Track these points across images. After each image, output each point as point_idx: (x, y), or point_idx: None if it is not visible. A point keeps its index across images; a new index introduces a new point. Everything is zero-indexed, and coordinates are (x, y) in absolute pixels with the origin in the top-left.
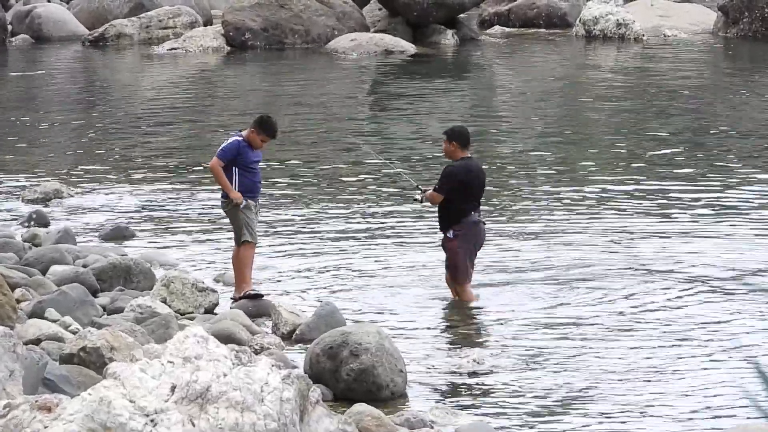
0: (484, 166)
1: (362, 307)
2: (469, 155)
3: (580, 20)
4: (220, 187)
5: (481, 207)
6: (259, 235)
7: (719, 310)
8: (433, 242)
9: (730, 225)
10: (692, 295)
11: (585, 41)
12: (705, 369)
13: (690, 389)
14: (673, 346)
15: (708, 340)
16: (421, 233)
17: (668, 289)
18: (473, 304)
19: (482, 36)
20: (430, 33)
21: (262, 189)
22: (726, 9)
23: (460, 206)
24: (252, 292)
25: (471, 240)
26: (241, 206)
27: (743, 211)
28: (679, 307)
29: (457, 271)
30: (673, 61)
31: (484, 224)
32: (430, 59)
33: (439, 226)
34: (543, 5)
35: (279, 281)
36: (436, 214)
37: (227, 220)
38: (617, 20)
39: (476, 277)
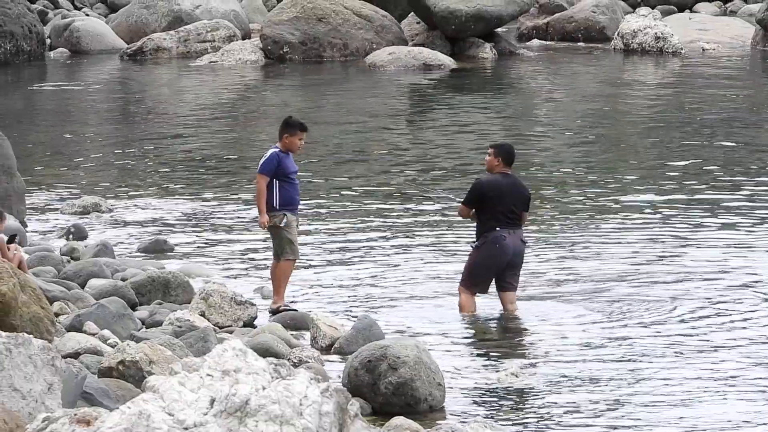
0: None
1: (400, 320)
2: (509, 172)
3: (618, 34)
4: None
5: (523, 225)
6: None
7: None
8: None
9: None
10: (741, 311)
11: (623, 55)
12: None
13: (738, 415)
14: (720, 362)
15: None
16: (459, 246)
17: (716, 304)
18: (511, 316)
19: (520, 49)
20: (468, 46)
21: (301, 201)
22: (764, 23)
23: (485, 220)
24: (284, 308)
25: (492, 254)
26: (282, 224)
27: None
28: (729, 322)
29: (464, 275)
30: (710, 76)
31: (524, 242)
32: (469, 73)
33: None
34: (581, 19)
35: (318, 294)
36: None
37: (266, 233)
38: (656, 34)
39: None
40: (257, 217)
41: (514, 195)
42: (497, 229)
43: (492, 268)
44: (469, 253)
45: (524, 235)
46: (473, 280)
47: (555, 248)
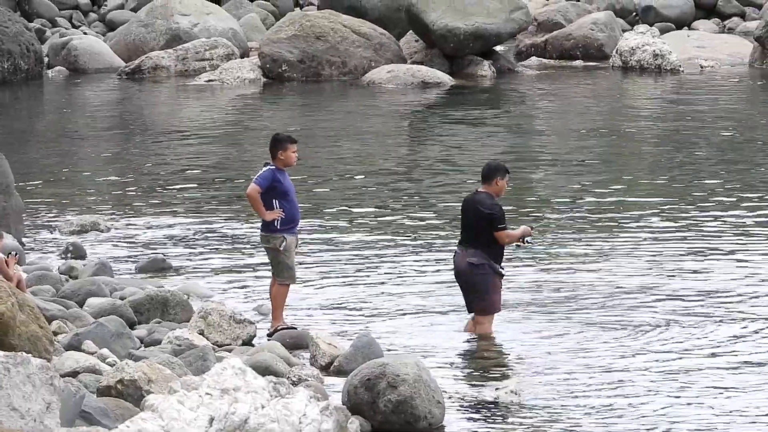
0: (526, 195)
1: (400, 338)
2: (480, 190)
3: (616, 51)
4: (260, 220)
5: (504, 244)
6: (297, 265)
7: None
8: None
9: None
10: (747, 332)
11: (622, 72)
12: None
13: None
14: (721, 380)
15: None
16: None
17: (719, 322)
18: (514, 335)
19: (519, 67)
20: (466, 64)
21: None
22: (762, 40)
23: None
24: (283, 327)
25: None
26: (282, 248)
27: None
28: (733, 343)
29: None
30: (709, 93)
31: (471, 264)
32: (468, 91)
33: None
34: (580, 36)
35: (317, 313)
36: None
37: (264, 251)
38: (654, 51)
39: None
40: (264, 235)
41: (469, 213)
42: (458, 245)
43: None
44: None
45: (476, 257)
46: None
47: (554, 264)
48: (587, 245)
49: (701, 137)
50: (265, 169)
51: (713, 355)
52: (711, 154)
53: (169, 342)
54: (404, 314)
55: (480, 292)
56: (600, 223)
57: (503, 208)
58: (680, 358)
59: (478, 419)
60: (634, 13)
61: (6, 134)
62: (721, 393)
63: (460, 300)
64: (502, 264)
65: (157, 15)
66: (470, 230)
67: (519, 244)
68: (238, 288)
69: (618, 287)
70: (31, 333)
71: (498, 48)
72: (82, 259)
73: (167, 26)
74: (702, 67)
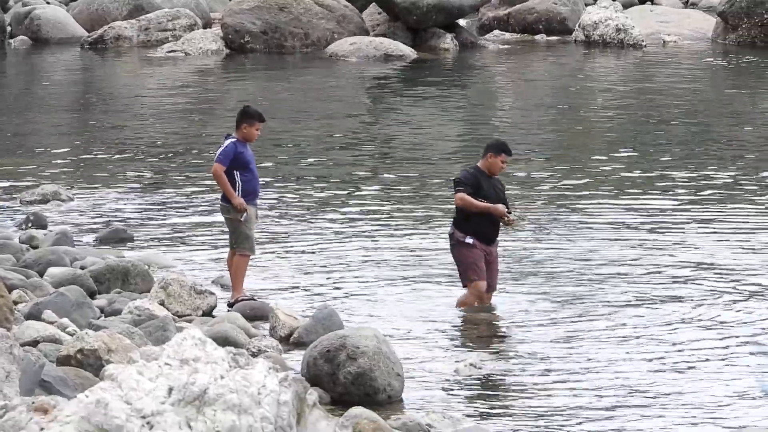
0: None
1: (361, 311)
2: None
3: (579, 25)
4: (221, 190)
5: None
6: (258, 239)
7: (741, 313)
8: (439, 246)
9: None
10: (715, 302)
11: (584, 47)
12: (710, 382)
13: (696, 398)
14: (682, 349)
15: (721, 347)
16: (425, 237)
17: (682, 296)
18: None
19: (481, 41)
20: (429, 37)
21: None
22: (725, 15)
23: None
24: (244, 298)
25: None
26: (242, 218)
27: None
28: (696, 310)
29: None
30: (672, 69)
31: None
32: (431, 64)
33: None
34: (542, 10)
35: (277, 284)
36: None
37: (225, 222)
38: (617, 25)
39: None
40: (224, 205)
41: None
42: None
43: None
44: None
45: (450, 228)
46: None
47: (519, 241)
48: (551, 218)
49: (662, 112)
50: (226, 142)
51: (673, 324)
52: (672, 129)
53: (130, 312)
54: (366, 286)
55: (456, 263)
56: (560, 197)
57: (478, 180)
58: (646, 328)
59: (438, 392)
60: None
61: None
62: (677, 357)
63: (424, 273)
64: (484, 236)
65: None
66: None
67: (507, 223)
68: (199, 259)
69: (583, 260)
70: None
71: (461, 21)
72: (43, 228)
73: None
74: (665, 42)
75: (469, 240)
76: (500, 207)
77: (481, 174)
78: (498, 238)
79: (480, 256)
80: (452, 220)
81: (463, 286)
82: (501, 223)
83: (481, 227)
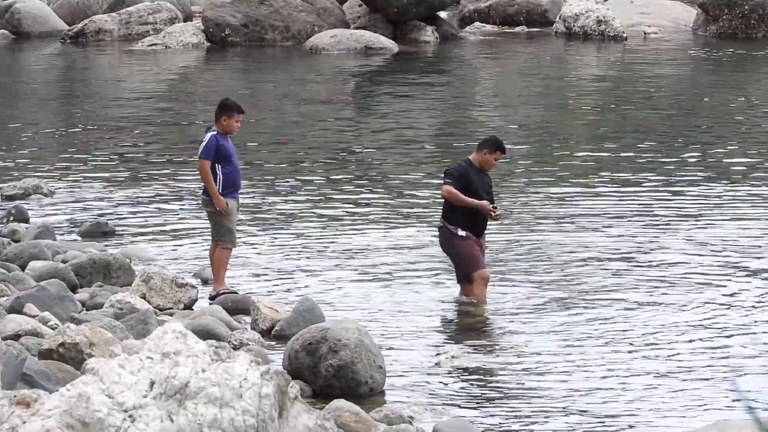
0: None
1: (342, 304)
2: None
3: (560, 17)
4: (202, 184)
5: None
6: (239, 231)
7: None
8: (418, 241)
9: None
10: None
11: (565, 39)
12: (688, 374)
13: (675, 393)
14: (669, 336)
15: (697, 349)
16: (408, 230)
17: (658, 287)
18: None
19: (462, 33)
20: (410, 29)
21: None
22: (706, 6)
23: None
24: (226, 291)
25: None
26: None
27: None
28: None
29: None
30: (652, 61)
31: (438, 228)
32: (412, 57)
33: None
34: (523, 2)
35: (259, 277)
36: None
37: (207, 216)
38: (597, 17)
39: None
40: (205, 198)
41: None
42: None
43: None
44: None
45: (440, 221)
46: None
47: (502, 232)
48: (533, 210)
49: (643, 104)
50: (207, 135)
51: (662, 311)
52: (653, 121)
53: (111, 305)
54: (347, 279)
55: (449, 255)
56: (541, 188)
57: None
58: (633, 317)
59: (420, 384)
60: None
61: None
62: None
63: (405, 265)
64: (473, 228)
65: None
66: None
67: (494, 218)
68: (181, 253)
69: (566, 251)
70: None
71: (441, 13)
72: (25, 222)
73: None
74: (645, 34)
75: (461, 232)
76: (485, 203)
77: (472, 168)
78: (485, 231)
79: (474, 245)
80: (441, 212)
81: (459, 281)
82: (488, 218)
83: (469, 220)
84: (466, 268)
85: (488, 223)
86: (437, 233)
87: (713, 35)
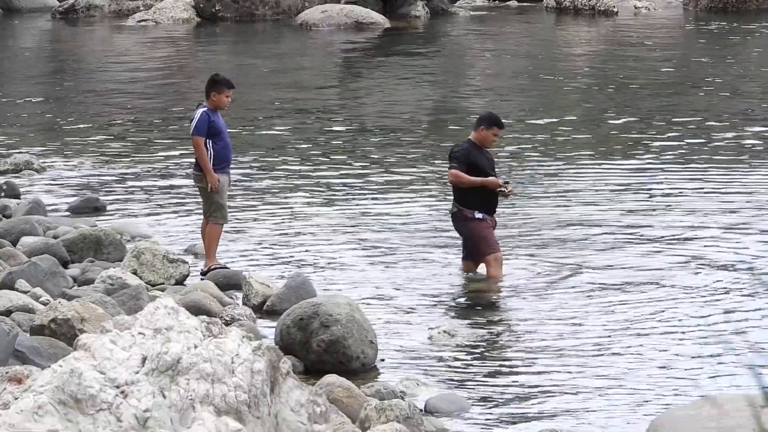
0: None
1: (334, 278)
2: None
3: None
4: (193, 159)
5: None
6: (231, 206)
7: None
8: (413, 213)
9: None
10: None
11: (556, 13)
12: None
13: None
14: (665, 312)
15: (698, 337)
16: (400, 205)
17: (664, 269)
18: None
19: (453, 8)
20: (400, 4)
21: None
22: None
23: None
24: (217, 266)
25: None
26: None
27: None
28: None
29: None
30: (643, 36)
31: (450, 213)
32: (403, 33)
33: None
34: None
35: (251, 252)
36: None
37: (198, 191)
38: None
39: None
40: (197, 174)
41: None
42: None
43: None
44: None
45: (452, 206)
46: None
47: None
48: (533, 185)
49: (633, 79)
50: (199, 111)
51: (660, 289)
52: (644, 97)
53: (102, 281)
54: (339, 254)
55: (466, 239)
56: (537, 162)
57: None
58: (626, 294)
59: (412, 359)
60: None
61: None
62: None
63: (397, 240)
64: (486, 207)
65: None
66: None
67: (505, 194)
68: (172, 228)
69: (564, 226)
70: None
71: None
72: (16, 198)
73: None
74: (636, 8)
75: (478, 215)
76: (494, 180)
77: (474, 147)
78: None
79: (490, 227)
80: (452, 197)
81: (464, 259)
82: (498, 194)
83: (482, 200)
84: (484, 249)
85: (499, 199)
86: (449, 218)
87: (704, 10)
